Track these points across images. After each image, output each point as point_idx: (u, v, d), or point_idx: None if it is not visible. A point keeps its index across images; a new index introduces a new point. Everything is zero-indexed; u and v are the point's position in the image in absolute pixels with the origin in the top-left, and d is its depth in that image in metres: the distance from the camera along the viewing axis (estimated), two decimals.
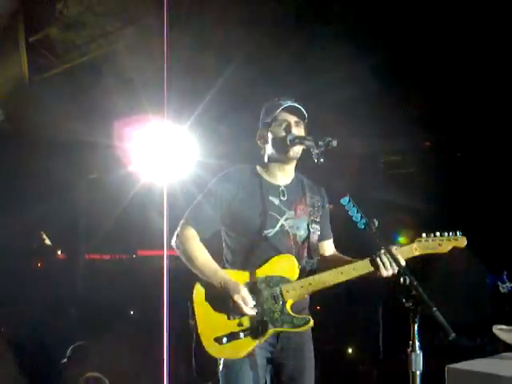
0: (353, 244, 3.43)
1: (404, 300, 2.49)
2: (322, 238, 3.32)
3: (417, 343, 2.44)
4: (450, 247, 3.04)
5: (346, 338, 8.47)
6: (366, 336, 8.33)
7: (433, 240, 3.04)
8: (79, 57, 6.57)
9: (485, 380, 2.71)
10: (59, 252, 12.88)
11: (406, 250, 3.01)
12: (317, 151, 2.93)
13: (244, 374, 3.01)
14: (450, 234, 3.05)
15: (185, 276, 3.25)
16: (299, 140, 3.09)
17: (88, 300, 9.50)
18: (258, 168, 3.29)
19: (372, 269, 2.97)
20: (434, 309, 2.37)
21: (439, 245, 3.04)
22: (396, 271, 2.91)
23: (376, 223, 2.71)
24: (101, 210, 9.58)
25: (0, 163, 8.02)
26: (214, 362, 2.99)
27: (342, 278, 3.04)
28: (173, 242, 3.21)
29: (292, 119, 3.16)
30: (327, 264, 3.25)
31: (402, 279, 2.53)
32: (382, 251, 2.91)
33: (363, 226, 2.71)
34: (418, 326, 2.45)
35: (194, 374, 3.04)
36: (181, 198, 5.65)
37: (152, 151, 6.35)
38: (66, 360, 5.51)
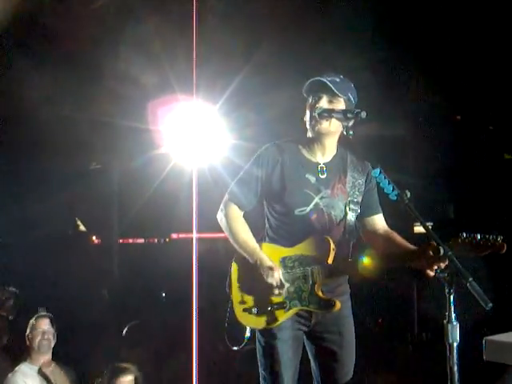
0: None
1: (439, 271, 2.43)
2: (369, 213, 3.26)
3: (453, 314, 2.39)
4: (487, 252, 2.59)
5: (380, 312, 8.44)
6: (401, 310, 8.29)
7: (469, 241, 2.59)
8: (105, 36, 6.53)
9: None
10: (93, 238, 13.06)
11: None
12: (346, 123, 2.91)
13: (277, 345, 3.07)
14: (491, 237, 2.57)
15: (216, 258, 3.34)
16: (327, 113, 3.03)
17: (121, 283, 9.62)
18: (299, 145, 3.23)
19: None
20: (470, 279, 2.31)
21: (477, 248, 2.59)
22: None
23: (408, 194, 2.62)
24: (133, 194, 9.64)
25: (27, 148, 8.12)
26: (243, 329, 3.13)
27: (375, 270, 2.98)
28: (217, 216, 3.31)
29: (324, 94, 3.07)
30: (379, 243, 3.19)
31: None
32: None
33: (395, 198, 2.64)
34: (453, 297, 2.40)
35: (226, 338, 3.20)
36: (210, 179, 5.65)
37: (182, 133, 6.35)
38: (124, 336, 5.65)
